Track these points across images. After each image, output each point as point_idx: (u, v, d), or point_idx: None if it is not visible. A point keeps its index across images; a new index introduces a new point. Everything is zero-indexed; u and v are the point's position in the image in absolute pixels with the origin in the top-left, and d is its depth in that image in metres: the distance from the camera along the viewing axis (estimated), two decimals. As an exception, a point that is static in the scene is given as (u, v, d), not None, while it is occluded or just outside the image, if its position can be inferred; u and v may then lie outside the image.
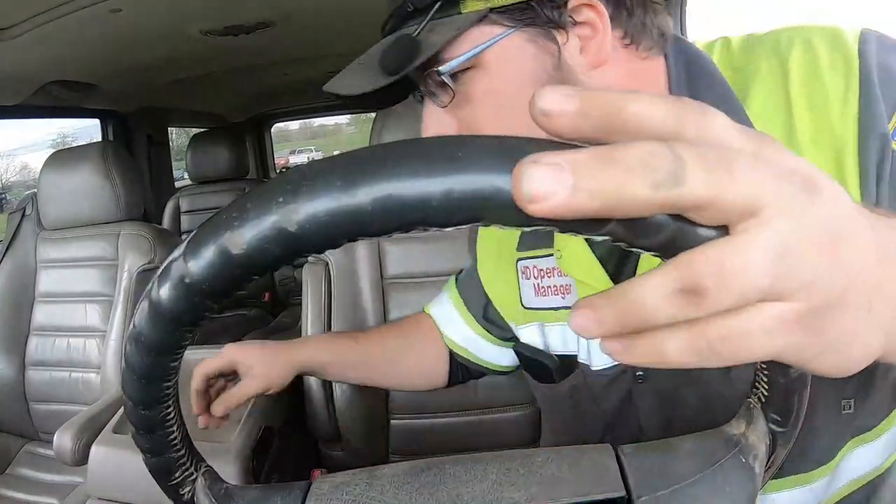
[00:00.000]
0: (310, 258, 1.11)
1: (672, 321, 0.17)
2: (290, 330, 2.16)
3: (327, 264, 1.09)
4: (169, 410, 0.27)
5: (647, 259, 0.47)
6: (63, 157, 1.43)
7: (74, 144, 2.51)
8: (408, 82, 0.45)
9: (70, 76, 1.45)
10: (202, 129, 2.58)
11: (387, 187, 0.16)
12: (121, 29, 1.14)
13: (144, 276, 1.35)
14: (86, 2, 0.98)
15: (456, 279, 0.72)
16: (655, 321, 0.17)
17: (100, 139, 2.04)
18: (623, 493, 0.27)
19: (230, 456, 0.88)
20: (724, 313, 0.17)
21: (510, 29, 0.41)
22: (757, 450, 0.27)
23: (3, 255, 1.47)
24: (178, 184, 2.58)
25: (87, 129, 2.32)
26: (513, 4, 0.40)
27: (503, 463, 0.30)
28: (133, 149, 2.09)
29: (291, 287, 2.43)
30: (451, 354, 0.71)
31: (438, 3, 0.40)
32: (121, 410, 1.03)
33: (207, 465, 0.32)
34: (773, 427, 0.27)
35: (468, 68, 0.41)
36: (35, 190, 1.48)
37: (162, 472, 0.30)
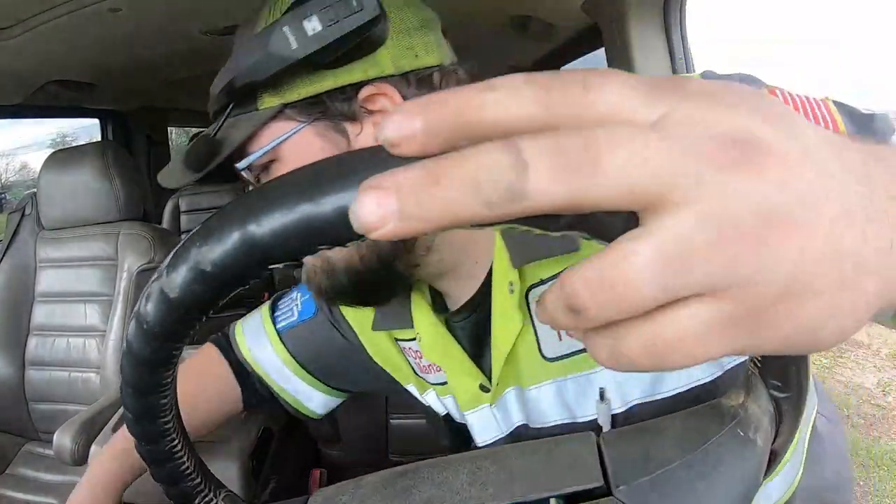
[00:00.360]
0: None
1: (580, 329, 0.15)
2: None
3: (327, 264, 1.09)
4: (174, 444, 0.28)
5: (499, 337, 0.47)
6: (62, 156, 1.43)
7: (74, 144, 2.51)
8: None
9: (70, 76, 1.45)
10: (202, 129, 2.58)
11: (280, 218, 0.17)
12: (120, 28, 1.14)
13: (144, 276, 1.35)
14: (85, 1, 0.97)
15: (274, 321, 0.65)
16: (569, 329, 0.16)
17: (99, 138, 2.04)
18: (600, 482, 0.26)
19: (230, 456, 0.88)
20: (639, 319, 0.15)
21: (301, 124, 0.42)
22: (759, 421, 0.25)
23: (3, 255, 1.47)
24: (177, 183, 2.58)
25: (86, 129, 2.32)
26: (305, 99, 0.42)
27: (474, 462, 0.30)
28: (132, 148, 2.09)
29: (291, 287, 2.43)
30: (249, 383, 0.66)
31: (232, 104, 0.43)
32: (120, 410, 1.03)
33: (228, 490, 0.32)
34: (776, 394, 0.26)
35: (272, 160, 0.43)
36: (34, 189, 1.48)
37: (182, 502, 0.30)
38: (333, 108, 0.42)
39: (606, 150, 0.13)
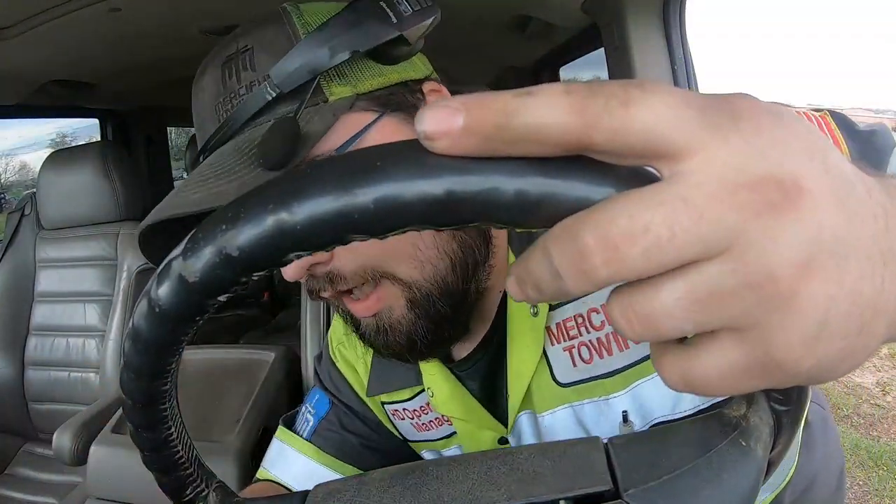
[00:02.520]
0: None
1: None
2: (288, 330, 2.16)
3: (327, 264, 1.09)
4: (171, 432, 0.27)
5: (519, 366, 0.46)
6: (62, 156, 1.43)
7: (73, 144, 2.51)
8: None
9: (69, 76, 1.45)
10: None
11: (315, 205, 0.16)
12: (120, 28, 1.14)
13: (143, 276, 1.35)
14: (85, 1, 0.97)
15: (298, 434, 0.59)
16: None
17: (99, 138, 2.04)
18: (609, 486, 0.27)
19: (229, 456, 0.88)
20: (676, 346, 0.16)
21: (380, 114, 0.40)
22: (759, 432, 0.26)
23: (2, 255, 1.47)
24: (176, 183, 2.58)
25: (86, 129, 2.32)
26: (377, 90, 0.40)
27: (485, 462, 0.30)
28: (132, 148, 2.09)
29: (291, 286, 2.43)
30: None
31: (312, 88, 0.38)
32: (120, 410, 1.03)
33: (219, 481, 0.32)
34: (776, 406, 0.26)
35: None
36: (34, 190, 1.48)
37: (173, 491, 0.30)
38: (404, 101, 0.41)
39: (626, 245, 0.14)
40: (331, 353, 0.61)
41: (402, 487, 0.30)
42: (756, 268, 0.14)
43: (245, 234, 0.17)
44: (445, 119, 0.15)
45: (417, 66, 0.43)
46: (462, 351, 0.51)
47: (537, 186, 0.15)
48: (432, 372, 0.51)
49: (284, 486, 0.56)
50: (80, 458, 1.02)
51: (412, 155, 0.16)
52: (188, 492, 0.30)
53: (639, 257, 0.14)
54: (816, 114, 0.38)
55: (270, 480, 0.57)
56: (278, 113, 0.38)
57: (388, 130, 0.40)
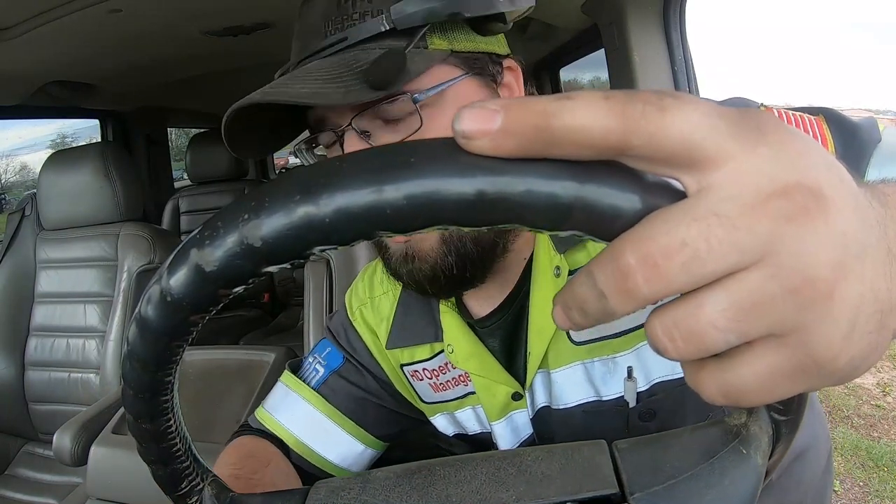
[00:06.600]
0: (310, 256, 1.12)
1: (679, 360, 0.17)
2: (289, 330, 2.16)
3: (328, 262, 1.09)
4: (170, 424, 0.27)
5: (535, 345, 0.49)
6: (62, 157, 1.43)
7: (74, 144, 2.51)
8: (300, 122, 0.46)
9: (70, 76, 1.45)
10: (202, 130, 2.58)
11: (343, 198, 0.16)
12: (120, 29, 1.14)
13: (144, 277, 1.35)
14: (86, 2, 0.98)
15: (306, 382, 0.60)
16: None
17: (99, 139, 2.04)
18: (616, 489, 0.27)
19: (230, 456, 0.88)
20: (714, 361, 0.16)
21: (465, 73, 0.44)
22: (759, 440, 0.27)
23: (3, 256, 1.47)
24: (177, 184, 2.58)
25: (86, 129, 2.33)
26: (467, 52, 0.44)
27: (493, 463, 0.30)
28: (132, 149, 2.09)
29: (291, 287, 2.43)
30: (305, 469, 0.58)
31: (422, 33, 0.41)
32: (120, 411, 1.03)
33: (214, 475, 0.32)
34: (776, 416, 0.27)
35: (425, 105, 0.42)
36: (34, 190, 1.48)
37: (169, 484, 0.30)
38: (486, 68, 0.46)
39: (666, 261, 0.14)
40: (349, 313, 0.63)
41: (408, 486, 0.30)
42: (794, 272, 0.14)
43: (270, 225, 0.17)
44: (484, 119, 0.15)
45: (502, 44, 0.48)
46: (484, 310, 0.54)
47: (569, 191, 0.15)
48: (453, 329, 0.54)
49: (286, 430, 0.58)
50: (81, 458, 1.02)
51: (446, 153, 0.16)
52: (183, 485, 0.30)
53: (679, 272, 0.14)
54: (813, 117, 0.39)
55: (264, 431, 0.58)
56: (386, 45, 0.42)
57: (469, 88, 0.44)
